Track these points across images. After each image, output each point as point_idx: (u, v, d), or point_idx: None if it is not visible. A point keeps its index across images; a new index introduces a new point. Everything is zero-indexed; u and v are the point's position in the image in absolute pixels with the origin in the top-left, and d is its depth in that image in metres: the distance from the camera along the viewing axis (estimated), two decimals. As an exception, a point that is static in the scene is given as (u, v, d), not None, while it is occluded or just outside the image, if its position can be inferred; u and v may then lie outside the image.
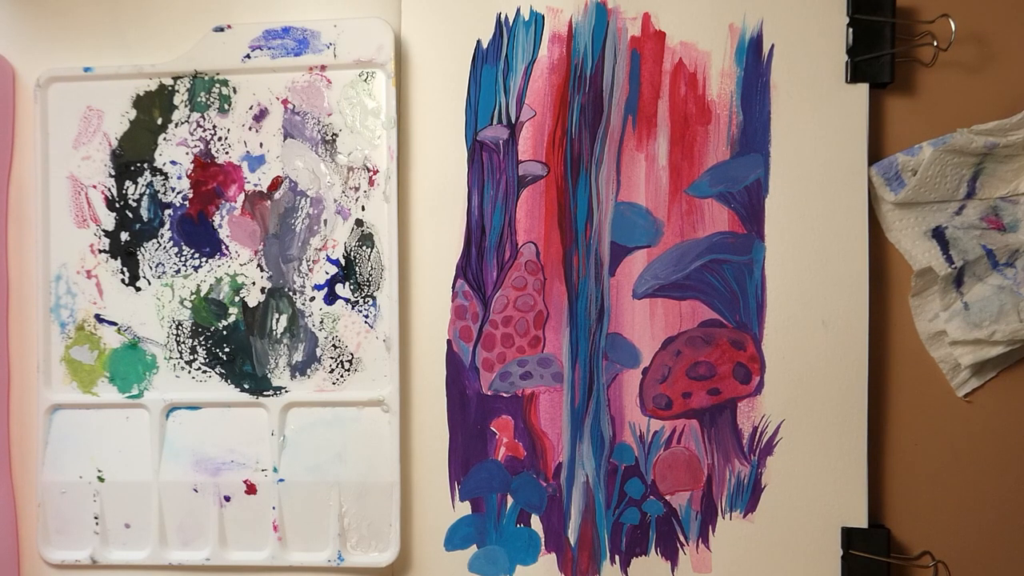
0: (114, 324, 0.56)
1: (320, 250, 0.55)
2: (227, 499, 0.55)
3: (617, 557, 0.54)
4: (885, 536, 0.53)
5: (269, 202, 0.55)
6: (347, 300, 0.55)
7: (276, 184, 0.55)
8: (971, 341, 0.52)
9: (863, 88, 0.53)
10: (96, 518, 0.56)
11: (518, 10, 0.55)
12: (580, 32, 0.54)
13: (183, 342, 0.56)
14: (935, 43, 0.52)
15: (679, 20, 0.54)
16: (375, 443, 0.54)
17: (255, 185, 0.55)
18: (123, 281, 0.56)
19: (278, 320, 0.55)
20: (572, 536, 0.55)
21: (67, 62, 0.56)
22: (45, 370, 0.56)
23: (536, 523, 0.55)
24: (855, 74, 0.53)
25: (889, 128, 0.54)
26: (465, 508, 0.55)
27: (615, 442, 0.54)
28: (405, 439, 0.55)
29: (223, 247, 0.56)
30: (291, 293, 0.55)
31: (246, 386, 0.55)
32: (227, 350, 0.55)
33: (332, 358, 0.55)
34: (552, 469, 0.55)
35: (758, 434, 0.54)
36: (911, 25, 0.53)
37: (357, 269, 0.55)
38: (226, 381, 0.55)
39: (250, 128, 0.55)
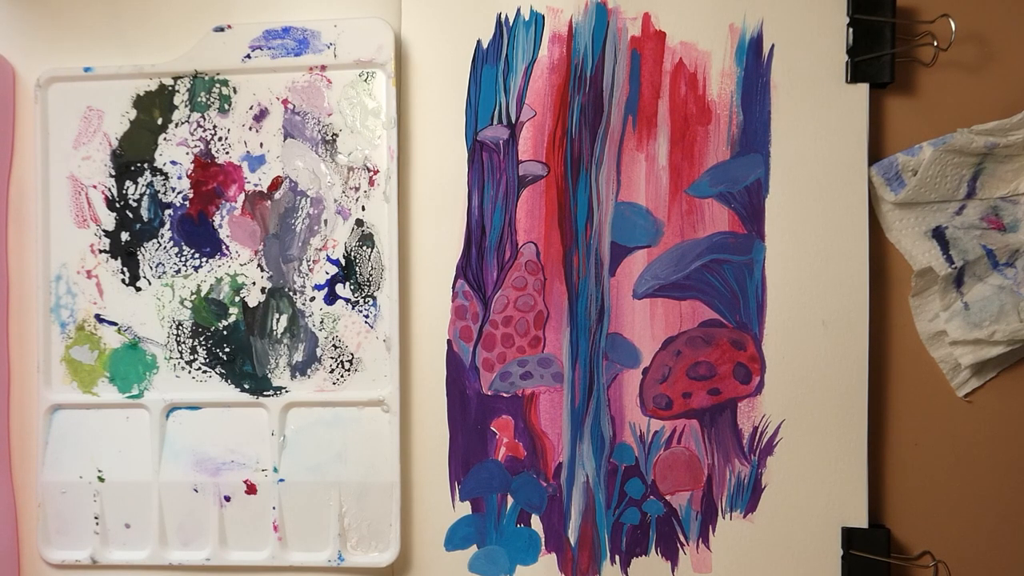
0: (114, 324, 0.56)
1: (320, 250, 0.55)
2: (227, 499, 0.55)
3: (617, 557, 0.54)
4: (885, 536, 0.53)
5: (269, 202, 0.55)
6: (347, 300, 0.55)
7: (276, 184, 0.55)
8: (971, 341, 0.52)
9: (863, 88, 0.53)
10: (96, 518, 0.56)
11: (518, 10, 0.55)
12: (580, 32, 0.54)
13: (183, 342, 0.56)
14: (935, 43, 0.52)
15: (679, 20, 0.54)
16: (375, 443, 0.54)
17: (255, 185, 0.55)
18: (123, 281, 0.56)
19: (278, 320, 0.55)
20: (572, 536, 0.55)
21: (67, 62, 0.56)
22: (45, 370, 0.56)
23: (536, 523, 0.55)
24: (855, 74, 0.53)
25: (889, 128, 0.54)
26: (465, 508, 0.55)
27: (615, 442, 0.54)
28: (405, 439, 0.55)
29: (223, 247, 0.56)
30: (291, 293, 0.55)
31: (246, 386, 0.55)
32: (227, 350, 0.55)
33: (332, 358, 0.55)
34: (552, 469, 0.55)
35: (758, 434, 0.54)
36: (911, 25, 0.53)
37: (357, 269, 0.55)
38: (226, 381, 0.55)
39: (250, 128, 0.55)
